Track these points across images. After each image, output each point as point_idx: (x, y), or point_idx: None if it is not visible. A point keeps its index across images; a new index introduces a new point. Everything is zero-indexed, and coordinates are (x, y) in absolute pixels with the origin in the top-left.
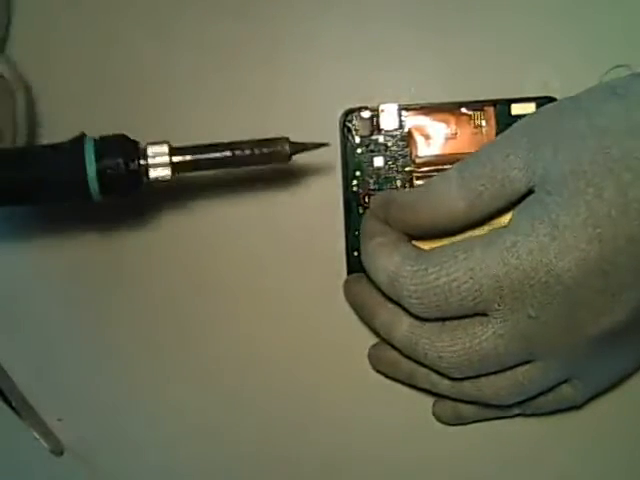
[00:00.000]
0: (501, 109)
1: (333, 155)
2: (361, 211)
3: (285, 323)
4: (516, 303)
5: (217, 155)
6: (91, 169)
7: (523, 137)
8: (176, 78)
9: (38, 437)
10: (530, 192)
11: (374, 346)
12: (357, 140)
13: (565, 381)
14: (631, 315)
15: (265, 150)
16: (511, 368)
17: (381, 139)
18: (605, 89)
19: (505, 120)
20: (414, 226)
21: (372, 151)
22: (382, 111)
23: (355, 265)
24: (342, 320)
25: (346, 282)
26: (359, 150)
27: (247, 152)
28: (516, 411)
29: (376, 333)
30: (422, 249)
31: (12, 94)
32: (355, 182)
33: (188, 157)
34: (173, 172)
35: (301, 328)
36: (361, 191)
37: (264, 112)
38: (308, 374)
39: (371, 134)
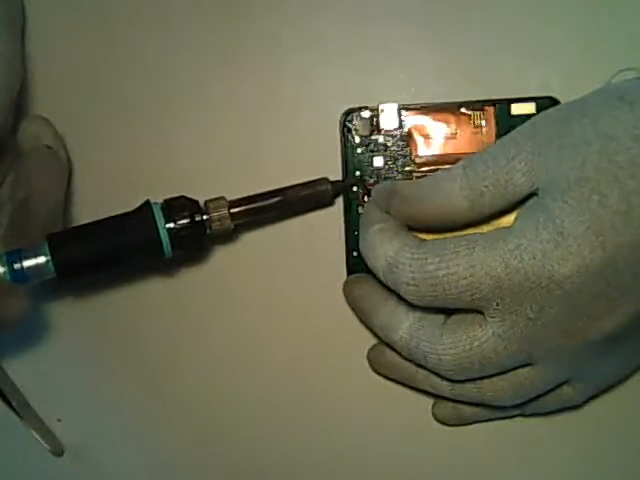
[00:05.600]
0: (501, 109)
1: (333, 155)
2: (361, 211)
3: (285, 323)
4: (515, 304)
5: (268, 202)
6: (163, 230)
7: (528, 140)
8: (176, 78)
9: (38, 437)
10: (532, 194)
11: (373, 348)
12: (357, 140)
13: (565, 382)
14: (631, 319)
15: (310, 191)
16: (512, 370)
17: (381, 139)
18: (613, 94)
19: (505, 120)
20: (415, 219)
21: (372, 151)
22: (382, 111)
23: (355, 265)
24: (342, 320)
25: (346, 283)
26: (359, 150)
27: (294, 195)
28: (516, 411)
29: (375, 334)
30: (423, 239)
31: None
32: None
33: (243, 207)
34: (232, 222)
35: (301, 328)
36: (361, 191)
37: (264, 112)
38: (308, 374)
39: (371, 134)
